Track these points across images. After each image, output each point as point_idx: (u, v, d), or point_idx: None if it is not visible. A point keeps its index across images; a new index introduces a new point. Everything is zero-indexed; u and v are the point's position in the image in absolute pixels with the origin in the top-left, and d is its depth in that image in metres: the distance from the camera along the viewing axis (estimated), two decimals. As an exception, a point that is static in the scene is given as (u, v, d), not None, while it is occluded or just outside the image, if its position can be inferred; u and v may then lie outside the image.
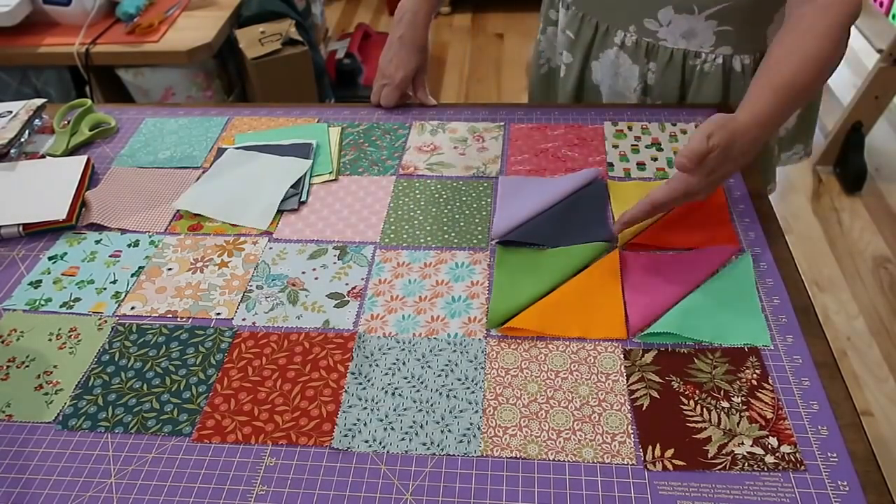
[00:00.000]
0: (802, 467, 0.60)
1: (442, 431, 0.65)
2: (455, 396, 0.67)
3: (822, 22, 0.81)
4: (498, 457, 0.62)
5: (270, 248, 0.85)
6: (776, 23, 0.98)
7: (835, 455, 0.61)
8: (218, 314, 0.77)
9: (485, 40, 3.27)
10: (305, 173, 0.95)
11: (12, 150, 0.98)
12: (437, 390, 0.68)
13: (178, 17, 1.81)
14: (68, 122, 1.05)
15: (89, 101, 1.08)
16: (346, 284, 0.79)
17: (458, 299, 0.77)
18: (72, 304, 0.79)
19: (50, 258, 0.85)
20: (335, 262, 0.82)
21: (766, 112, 0.77)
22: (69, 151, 1.02)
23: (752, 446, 0.62)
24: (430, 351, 0.72)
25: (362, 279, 0.80)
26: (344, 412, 0.67)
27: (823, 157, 2.42)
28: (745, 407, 0.65)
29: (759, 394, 0.66)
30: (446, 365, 0.70)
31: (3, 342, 0.75)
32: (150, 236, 0.88)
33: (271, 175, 0.94)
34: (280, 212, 0.90)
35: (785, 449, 0.61)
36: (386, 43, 1.09)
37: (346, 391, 0.68)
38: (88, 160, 0.97)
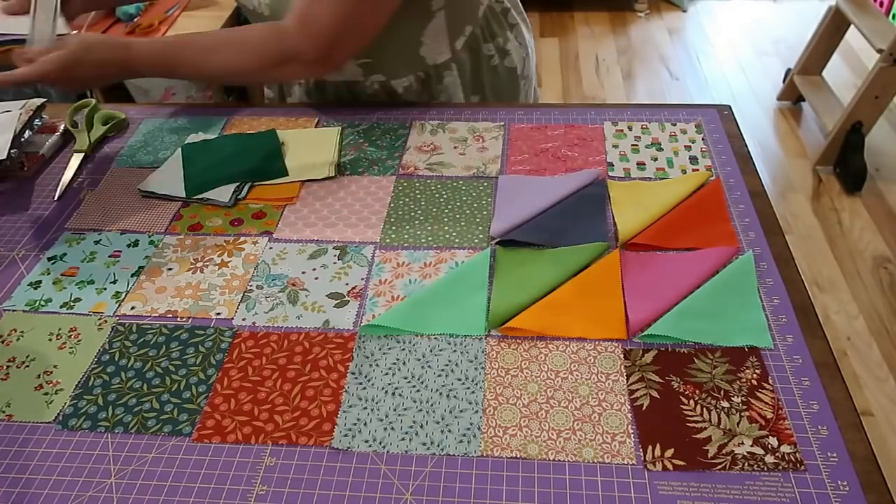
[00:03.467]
0: (802, 467, 0.60)
1: (442, 431, 0.65)
2: (455, 396, 0.67)
3: (264, 40, 0.92)
4: (498, 457, 0.62)
5: (270, 248, 0.85)
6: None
7: (835, 455, 0.61)
8: (218, 314, 0.77)
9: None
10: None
11: (12, 151, 0.98)
12: (437, 390, 0.68)
13: (178, 17, 1.81)
14: (77, 123, 1.06)
15: (93, 101, 1.09)
16: (346, 284, 0.79)
17: (458, 299, 0.77)
18: (72, 304, 0.79)
19: (49, 258, 0.85)
20: (335, 262, 0.82)
21: (142, 54, 0.87)
22: (93, 146, 1.04)
23: (752, 446, 0.62)
24: (430, 351, 0.72)
25: (362, 279, 0.80)
26: (344, 412, 0.67)
27: (823, 157, 2.43)
28: (745, 407, 0.65)
29: (759, 394, 0.66)
30: (446, 365, 0.70)
31: (3, 342, 0.75)
32: (149, 236, 0.88)
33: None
34: (280, 211, 0.90)
35: (785, 449, 0.61)
36: None
37: (346, 391, 0.68)
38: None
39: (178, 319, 0.77)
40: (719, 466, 0.60)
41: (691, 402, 0.65)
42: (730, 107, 1.05)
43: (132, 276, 0.82)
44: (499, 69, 1.14)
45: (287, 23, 0.90)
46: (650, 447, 0.62)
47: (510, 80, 1.16)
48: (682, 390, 0.67)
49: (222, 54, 0.91)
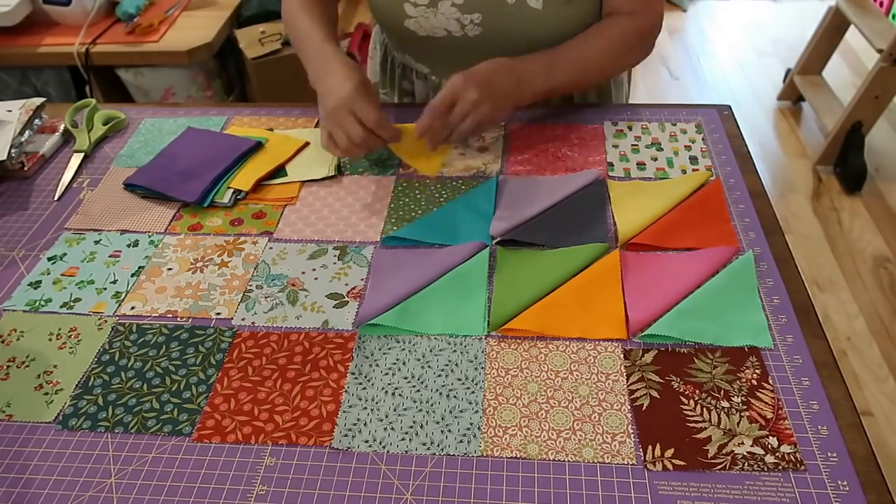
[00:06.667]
0: (802, 467, 0.60)
1: (442, 431, 0.65)
2: (455, 396, 0.67)
3: (619, 26, 0.95)
4: (498, 457, 0.62)
5: (270, 248, 0.85)
6: None
7: (835, 455, 0.61)
8: (218, 314, 0.77)
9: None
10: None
11: (12, 150, 0.98)
12: (437, 390, 0.68)
13: (178, 17, 1.81)
14: (77, 123, 1.06)
15: (93, 101, 1.09)
16: (346, 285, 0.79)
17: (458, 299, 0.77)
18: (72, 304, 0.79)
19: (49, 259, 0.85)
20: (335, 262, 0.82)
21: (537, 70, 0.91)
22: (93, 146, 1.04)
23: (752, 446, 0.62)
24: (430, 351, 0.72)
25: (362, 279, 0.80)
26: (344, 412, 0.67)
27: (823, 157, 2.42)
28: (745, 407, 0.65)
29: (759, 394, 0.66)
30: (446, 365, 0.70)
31: (3, 342, 0.75)
32: (149, 236, 0.88)
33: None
34: (280, 211, 0.90)
35: (785, 449, 0.61)
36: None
37: (346, 391, 0.68)
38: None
39: (178, 319, 0.77)
40: (719, 466, 0.60)
41: (691, 402, 0.65)
42: (730, 107, 1.05)
43: (132, 276, 0.82)
44: None
45: (629, 8, 0.95)
46: (650, 447, 0.62)
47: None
48: (682, 390, 0.66)
49: (604, 66, 0.98)
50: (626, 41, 0.97)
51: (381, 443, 0.64)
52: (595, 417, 0.65)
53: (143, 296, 0.80)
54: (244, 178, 0.94)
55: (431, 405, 0.67)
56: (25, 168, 0.99)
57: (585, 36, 0.95)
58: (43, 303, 0.80)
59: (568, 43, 0.95)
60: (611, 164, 0.94)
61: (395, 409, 0.67)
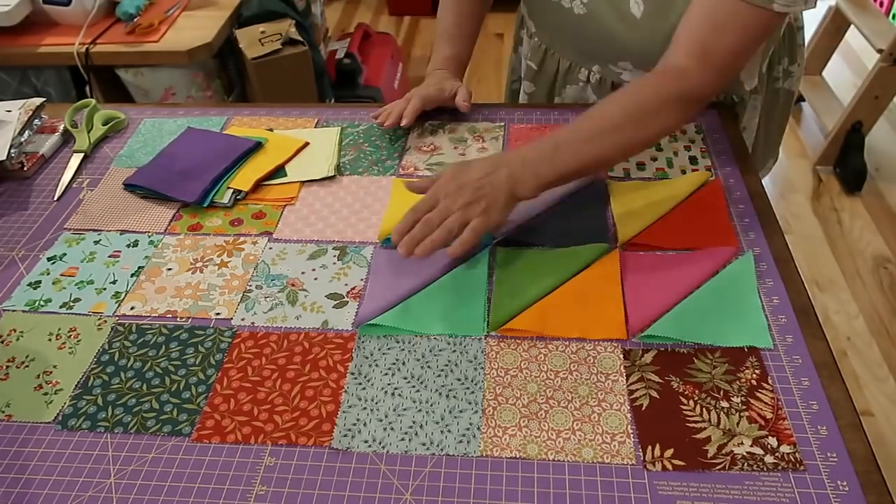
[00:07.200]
0: (802, 467, 0.60)
1: (442, 431, 0.65)
2: (455, 396, 0.67)
3: (655, 84, 0.80)
4: (498, 457, 0.62)
5: (270, 248, 0.85)
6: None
7: (835, 455, 0.61)
8: (217, 314, 0.77)
9: (485, 40, 3.27)
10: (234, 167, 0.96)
11: (12, 150, 0.98)
12: (436, 390, 0.68)
13: (178, 17, 1.81)
14: (77, 123, 1.06)
15: (93, 101, 1.09)
16: (346, 285, 0.79)
17: (458, 299, 0.77)
18: (71, 304, 0.79)
19: (49, 259, 0.85)
20: (335, 263, 0.82)
21: (536, 157, 0.77)
22: (93, 146, 1.04)
23: (751, 446, 0.62)
24: (430, 351, 0.72)
25: (362, 279, 0.80)
26: (344, 412, 0.67)
27: (823, 157, 2.42)
28: (744, 407, 0.65)
29: (758, 394, 0.66)
30: (446, 365, 0.70)
31: (3, 342, 0.75)
32: (149, 236, 0.88)
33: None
34: (280, 211, 0.90)
35: (784, 449, 0.61)
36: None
37: (345, 391, 0.68)
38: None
39: (178, 319, 0.77)
40: (719, 467, 0.60)
41: (691, 402, 0.65)
42: (730, 107, 1.04)
43: (132, 276, 0.82)
44: (780, 93, 1.08)
45: (680, 62, 0.80)
46: (650, 447, 0.62)
47: (785, 106, 1.09)
48: (681, 390, 0.66)
49: (624, 134, 0.79)
50: (656, 102, 0.79)
51: (380, 443, 0.64)
52: (595, 417, 0.65)
53: (143, 296, 0.80)
54: (244, 179, 0.94)
55: (431, 405, 0.67)
56: (25, 168, 0.99)
57: (605, 101, 0.82)
58: (43, 303, 0.80)
59: (585, 113, 0.80)
60: (611, 164, 0.94)
61: (394, 410, 0.67)
